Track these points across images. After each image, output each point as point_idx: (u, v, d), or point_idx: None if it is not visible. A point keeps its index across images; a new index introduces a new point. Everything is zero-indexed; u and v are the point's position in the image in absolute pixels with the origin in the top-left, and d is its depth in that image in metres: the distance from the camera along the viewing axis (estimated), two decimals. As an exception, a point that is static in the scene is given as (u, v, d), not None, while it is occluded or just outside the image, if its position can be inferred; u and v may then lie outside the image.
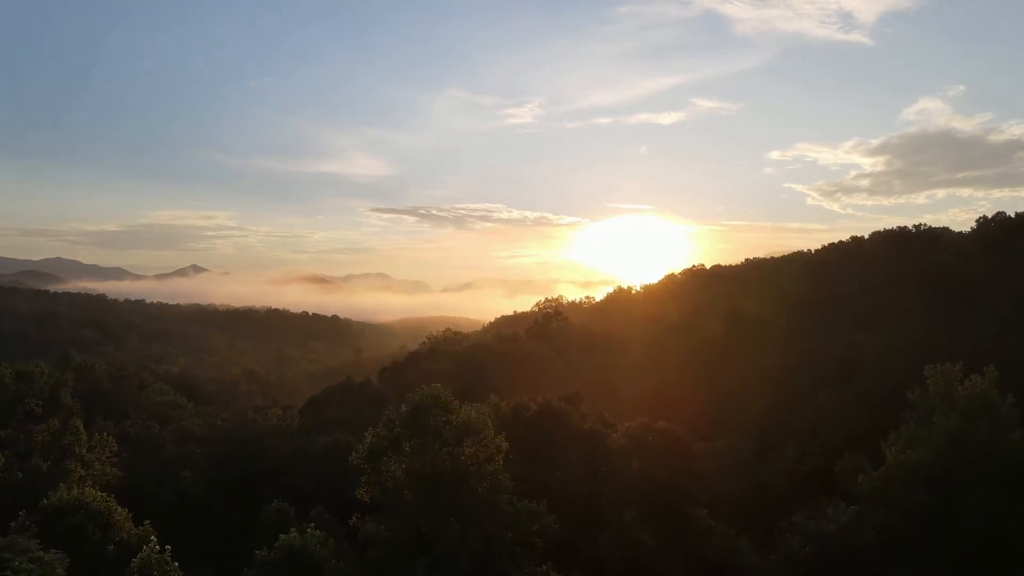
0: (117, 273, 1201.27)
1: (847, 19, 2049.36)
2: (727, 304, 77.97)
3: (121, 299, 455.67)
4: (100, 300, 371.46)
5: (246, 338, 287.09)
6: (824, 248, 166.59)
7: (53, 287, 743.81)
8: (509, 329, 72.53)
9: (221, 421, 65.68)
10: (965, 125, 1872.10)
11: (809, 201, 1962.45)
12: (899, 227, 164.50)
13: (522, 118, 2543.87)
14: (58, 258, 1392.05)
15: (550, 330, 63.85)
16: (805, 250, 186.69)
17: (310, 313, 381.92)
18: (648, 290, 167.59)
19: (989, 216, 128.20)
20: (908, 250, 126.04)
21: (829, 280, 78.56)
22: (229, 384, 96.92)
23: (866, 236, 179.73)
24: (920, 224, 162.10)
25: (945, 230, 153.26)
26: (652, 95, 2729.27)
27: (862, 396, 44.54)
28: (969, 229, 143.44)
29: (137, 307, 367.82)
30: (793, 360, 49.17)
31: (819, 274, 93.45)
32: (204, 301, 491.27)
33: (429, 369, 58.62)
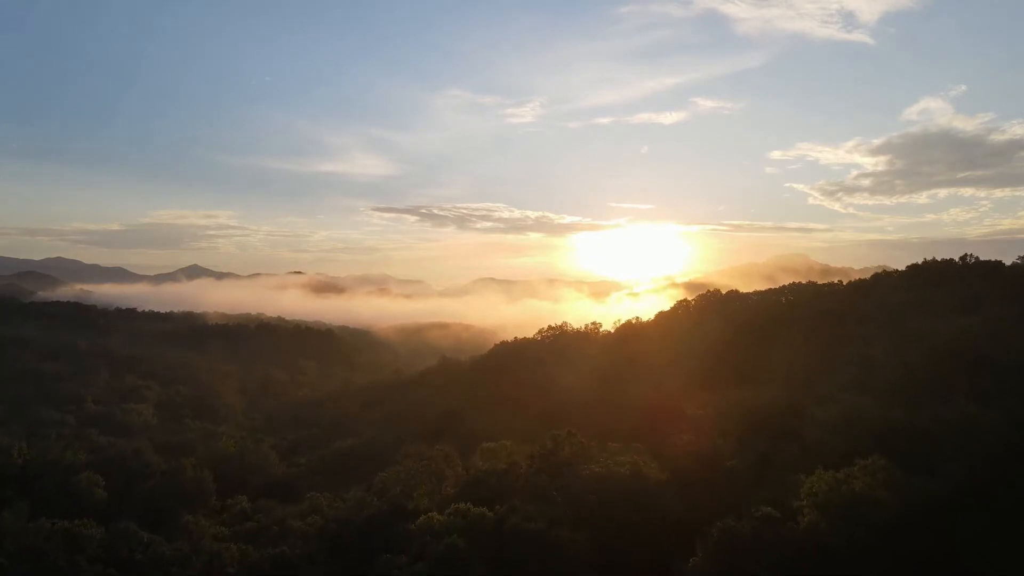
0: (117, 274, 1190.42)
1: (849, 19, 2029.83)
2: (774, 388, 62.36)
3: (112, 308, 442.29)
4: (85, 312, 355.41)
5: (233, 358, 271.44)
6: (852, 285, 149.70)
7: (49, 290, 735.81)
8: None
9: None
10: (967, 125, 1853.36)
11: (810, 201, 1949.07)
12: (945, 259, 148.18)
13: (523, 118, 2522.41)
14: (59, 258, 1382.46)
15: (561, 458, 48.18)
16: (836, 281, 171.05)
17: (304, 326, 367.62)
18: (662, 327, 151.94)
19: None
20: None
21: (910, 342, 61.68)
22: (175, 469, 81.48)
23: (901, 267, 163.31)
24: (967, 255, 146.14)
25: (999, 264, 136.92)
26: (653, 95, 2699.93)
27: None
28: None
29: (123, 320, 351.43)
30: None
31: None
32: (198, 308, 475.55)
33: (392, 565, 42.93)
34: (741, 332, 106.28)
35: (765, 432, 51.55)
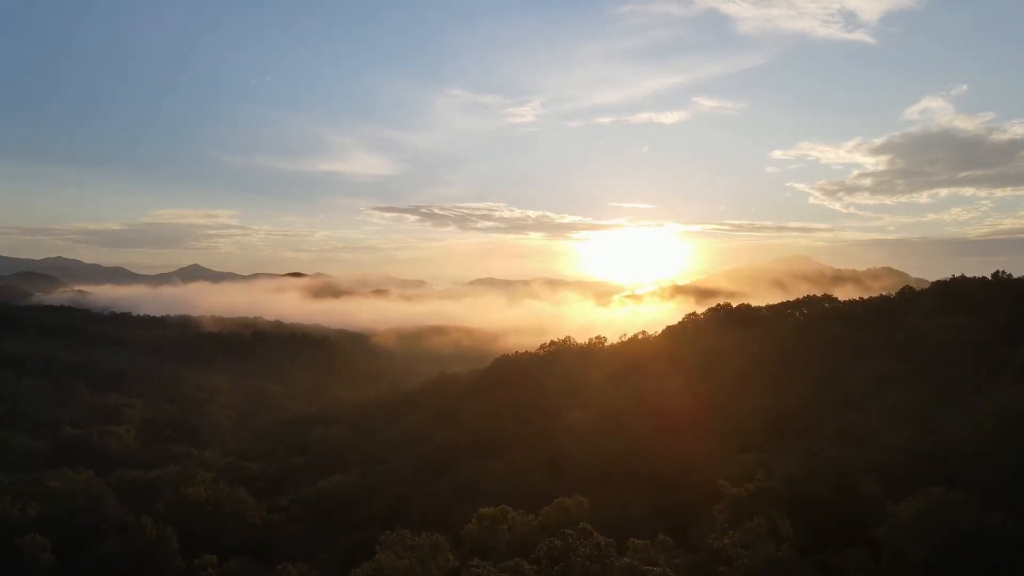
0: (117, 274, 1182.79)
1: (850, 18, 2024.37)
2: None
3: (107, 312, 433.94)
4: (76, 319, 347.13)
5: (226, 368, 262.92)
6: (875, 304, 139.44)
7: (48, 291, 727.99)
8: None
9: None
10: (968, 124, 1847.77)
11: (811, 200, 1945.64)
12: (977, 277, 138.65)
13: (524, 117, 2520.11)
14: (59, 257, 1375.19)
15: (574, 565, 39.28)
16: (858, 298, 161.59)
17: (300, 333, 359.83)
18: (671, 349, 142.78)
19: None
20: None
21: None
22: (135, 527, 72.86)
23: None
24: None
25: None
26: (654, 94, 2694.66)
27: None
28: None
29: (115, 326, 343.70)
30: None
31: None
32: (195, 311, 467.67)
33: None
34: (763, 365, 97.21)
35: (825, 528, 42.53)
